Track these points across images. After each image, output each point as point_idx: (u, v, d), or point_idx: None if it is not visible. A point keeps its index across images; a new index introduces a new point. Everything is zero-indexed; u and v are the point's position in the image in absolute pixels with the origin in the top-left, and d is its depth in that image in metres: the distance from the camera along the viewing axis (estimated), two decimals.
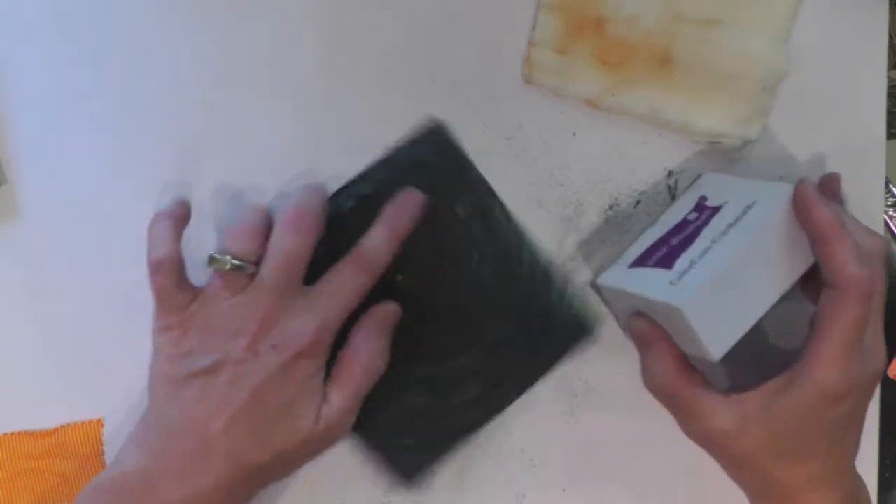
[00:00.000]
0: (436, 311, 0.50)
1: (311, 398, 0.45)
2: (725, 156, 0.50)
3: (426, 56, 0.51)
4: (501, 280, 0.50)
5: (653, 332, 0.46)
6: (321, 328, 0.45)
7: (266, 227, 0.46)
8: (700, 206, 0.48)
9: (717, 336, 0.43)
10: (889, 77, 0.50)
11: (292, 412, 0.45)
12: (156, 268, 0.46)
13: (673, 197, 0.50)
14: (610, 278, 0.48)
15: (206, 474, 0.44)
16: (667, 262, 0.45)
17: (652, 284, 0.45)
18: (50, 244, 0.51)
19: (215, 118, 0.51)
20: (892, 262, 0.53)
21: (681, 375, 0.45)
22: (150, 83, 0.51)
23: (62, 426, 0.51)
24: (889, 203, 0.52)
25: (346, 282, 0.46)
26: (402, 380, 0.49)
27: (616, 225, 0.51)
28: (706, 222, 0.46)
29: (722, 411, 0.44)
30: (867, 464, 0.51)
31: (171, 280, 0.46)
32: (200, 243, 0.49)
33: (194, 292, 0.46)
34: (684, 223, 0.47)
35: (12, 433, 0.51)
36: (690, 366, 0.46)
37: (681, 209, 0.49)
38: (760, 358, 0.48)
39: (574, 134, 0.50)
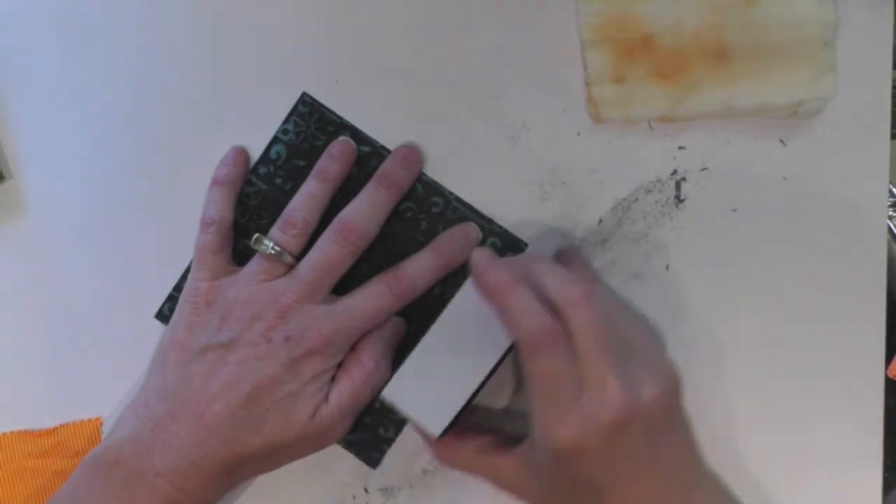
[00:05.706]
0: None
1: (313, 396, 0.46)
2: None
3: (429, 54, 0.51)
4: (427, 218, 0.50)
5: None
6: (336, 332, 0.46)
7: (318, 221, 0.47)
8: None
9: (430, 414, 0.45)
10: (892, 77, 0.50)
11: (291, 406, 0.45)
12: (204, 226, 0.48)
13: (677, 197, 0.51)
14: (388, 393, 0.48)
15: (198, 448, 0.44)
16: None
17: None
18: (53, 241, 0.51)
19: (218, 115, 0.51)
20: (892, 264, 0.53)
21: (457, 453, 0.46)
22: (154, 80, 0.51)
23: (62, 425, 0.51)
24: (889, 203, 0.52)
25: (372, 299, 0.47)
26: None
27: (619, 224, 0.51)
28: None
29: (507, 468, 0.45)
30: (869, 464, 0.50)
31: (215, 241, 0.48)
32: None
33: (232, 267, 0.48)
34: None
35: (12, 432, 0.51)
36: (460, 440, 0.46)
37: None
38: None
39: (578, 133, 0.50)
